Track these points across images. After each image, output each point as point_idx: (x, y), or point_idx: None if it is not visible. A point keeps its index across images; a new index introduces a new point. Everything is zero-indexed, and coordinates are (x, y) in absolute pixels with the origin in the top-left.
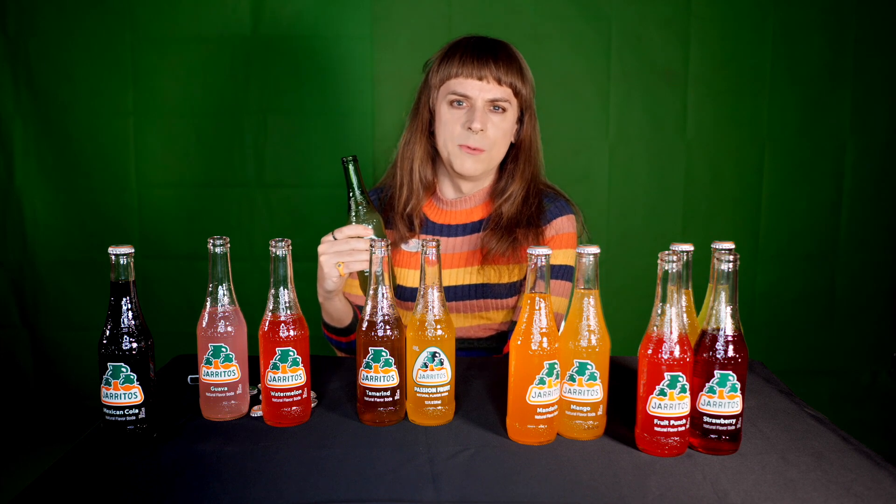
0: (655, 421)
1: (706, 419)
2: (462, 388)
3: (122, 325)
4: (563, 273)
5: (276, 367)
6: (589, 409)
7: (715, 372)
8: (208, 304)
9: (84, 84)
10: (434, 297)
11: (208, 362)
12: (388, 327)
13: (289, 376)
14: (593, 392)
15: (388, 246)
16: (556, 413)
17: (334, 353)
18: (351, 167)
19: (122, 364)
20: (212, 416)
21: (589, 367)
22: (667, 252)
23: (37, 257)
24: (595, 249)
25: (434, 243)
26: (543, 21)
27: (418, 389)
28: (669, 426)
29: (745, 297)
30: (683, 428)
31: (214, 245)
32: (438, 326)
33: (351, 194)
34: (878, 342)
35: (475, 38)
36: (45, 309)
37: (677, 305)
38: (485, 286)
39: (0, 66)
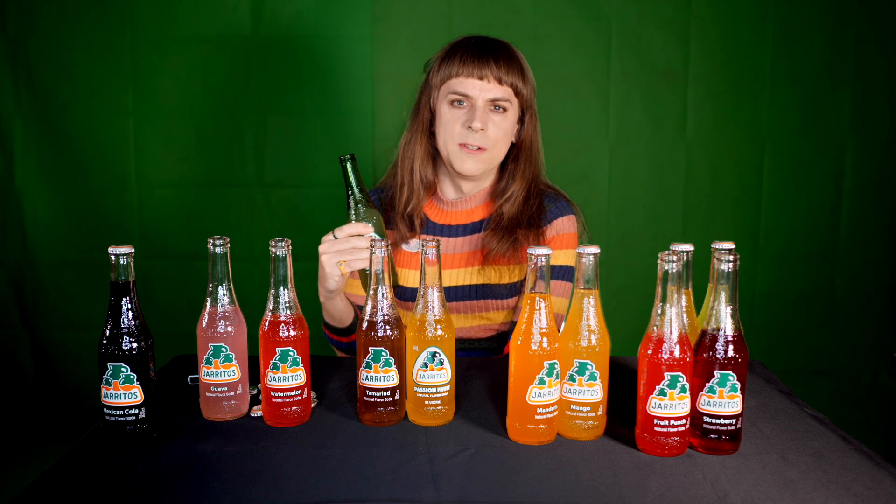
0: (655, 421)
1: (706, 419)
2: (462, 388)
3: (122, 325)
4: (564, 273)
5: (276, 367)
6: (589, 409)
7: (715, 372)
8: (208, 304)
9: (84, 84)
10: (434, 297)
11: (208, 362)
12: (388, 327)
13: (289, 376)
14: (593, 392)
15: (388, 245)
16: (556, 413)
17: (334, 353)
18: (349, 165)
19: (122, 364)
20: (212, 416)
21: (589, 367)
22: (667, 252)
23: (37, 257)
24: (595, 249)
25: (434, 243)
26: (543, 21)
27: (418, 389)
28: (669, 426)
29: (745, 297)
30: (683, 428)
31: (214, 245)
32: (438, 326)
33: (350, 193)
34: (878, 342)
35: (476, 37)
36: (45, 309)
37: (677, 305)
38: (485, 286)
39: (0, 66)
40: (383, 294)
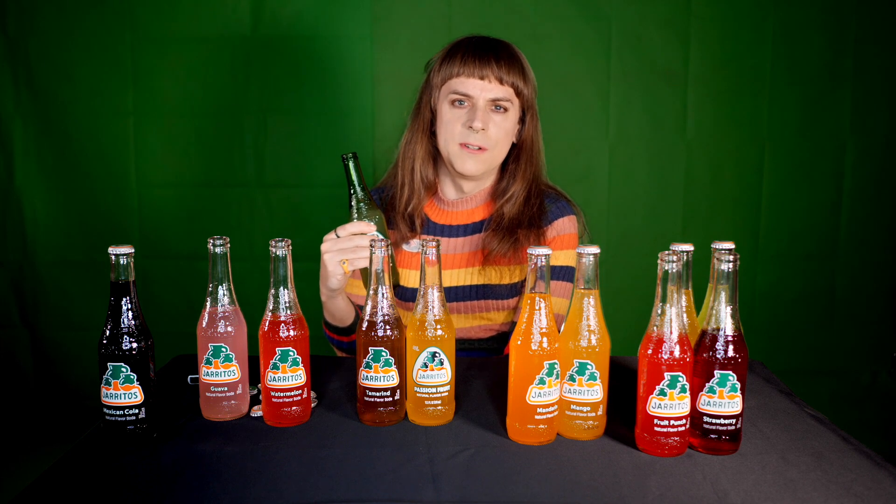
0: (655, 421)
1: (706, 419)
2: (462, 388)
3: (122, 325)
4: (565, 274)
5: (276, 367)
6: (589, 409)
7: (715, 372)
8: (208, 304)
9: (84, 84)
10: (434, 297)
11: (208, 362)
12: (388, 327)
13: (289, 376)
14: (593, 392)
15: (388, 245)
16: (556, 413)
17: (334, 353)
18: (351, 164)
19: (122, 364)
20: (212, 416)
21: (589, 367)
22: (667, 252)
23: (37, 257)
24: (595, 249)
25: (434, 243)
26: (543, 21)
27: (418, 389)
28: (669, 426)
29: (745, 297)
30: (683, 428)
31: (214, 245)
32: (438, 326)
33: (352, 191)
34: (878, 342)
35: (477, 37)
36: (45, 309)
37: (677, 305)
38: (486, 287)
39: (0, 66)
40: (383, 294)
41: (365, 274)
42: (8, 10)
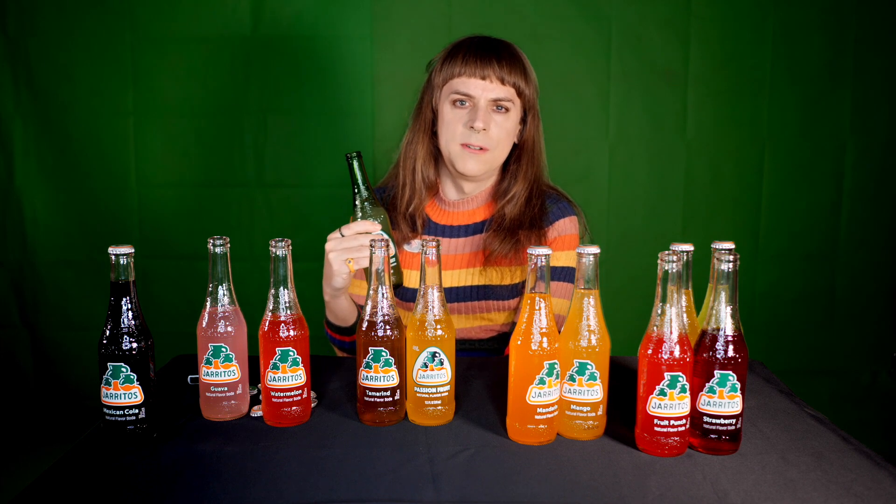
0: (655, 421)
1: (706, 419)
2: (462, 388)
3: (122, 325)
4: (566, 275)
5: (276, 367)
6: (589, 409)
7: (715, 372)
8: (208, 304)
9: (84, 84)
10: (434, 297)
11: (208, 362)
12: (388, 327)
13: (289, 376)
14: (593, 392)
15: (389, 244)
16: (556, 413)
17: (334, 352)
18: (355, 163)
19: (122, 364)
20: (212, 416)
21: (589, 367)
22: (667, 252)
23: (37, 257)
24: (595, 249)
25: (434, 243)
26: (543, 21)
27: (418, 389)
28: (669, 426)
29: (745, 297)
30: (683, 428)
31: (214, 245)
32: (438, 326)
33: (356, 190)
34: (878, 342)
35: (479, 37)
36: (45, 309)
37: (677, 305)
38: (486, 288)
39: (0, 66)
40: (383, 294)
41: (368, 273)
42: (8, 10)
